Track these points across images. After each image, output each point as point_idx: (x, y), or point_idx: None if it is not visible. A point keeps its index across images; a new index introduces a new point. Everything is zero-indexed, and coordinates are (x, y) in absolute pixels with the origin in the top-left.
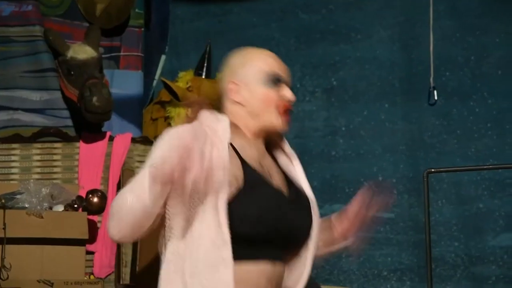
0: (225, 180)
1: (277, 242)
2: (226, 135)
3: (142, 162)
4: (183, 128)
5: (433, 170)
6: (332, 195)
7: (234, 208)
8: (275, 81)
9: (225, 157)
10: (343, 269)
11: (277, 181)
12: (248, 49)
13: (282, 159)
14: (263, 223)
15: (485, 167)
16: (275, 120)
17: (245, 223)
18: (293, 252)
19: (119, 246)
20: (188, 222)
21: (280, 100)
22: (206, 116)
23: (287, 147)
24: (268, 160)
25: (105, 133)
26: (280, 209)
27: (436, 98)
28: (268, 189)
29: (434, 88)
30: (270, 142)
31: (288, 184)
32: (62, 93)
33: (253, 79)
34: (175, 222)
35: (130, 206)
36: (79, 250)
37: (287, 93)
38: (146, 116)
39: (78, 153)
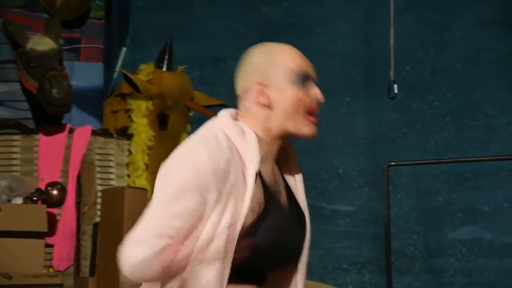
0: (245, 212)
1: (273, 266)
2: (255, 163)
3: (102, 154)
4: (211, 155)
5: (393, 163)
6: None
7: (247, 234)
8: (304, 80)
9: (252, 189)
10: None
11: (283, 197)
12: (272, 46)
13: (285, 168)
14: (272, 252)
15: (444, 160)
16: (305, 127)
17: (256, 251)
18: (280, 272)
19: (78, 239)
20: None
21: (310, 101)
22: (230, 128)
23: (294, 158)
24: (276, 170)
25: (65, 125)
26: (288, 235)
27: (396, 92)
28: (282, 216)
29: (394, 82)
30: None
31: (289, 196)
32: (22, 85)
33: (283, 79)
34: None
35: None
36: (38, 243)
37: (318, 94)
38: (107, 109)
39: (37, 146)
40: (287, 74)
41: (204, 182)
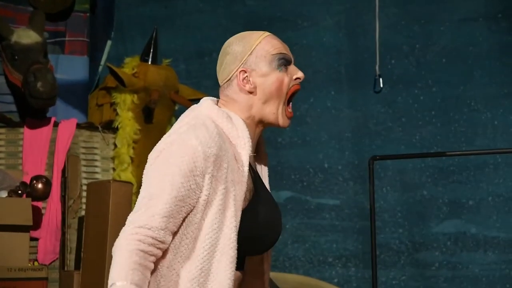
0: (243, 197)
1: (258, 251)
2: (248, 147)
3: (87, 148)
4: (201, 141)
5: (378, 157)
6: (279, 181)
7: (241, 221)
8: (284, 62)
9: (246, 175)
10: (288, 255)
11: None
12: (249, 34)
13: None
14: (261, 241)
15: (429, 154)
16: (282, 118)
17: (247, 239)
18: (255, 256)
19: (63, 232)
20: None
21: (292, 83)
22: (217, 114)
23: (264, 146)
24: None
25: (49, 118)
26: (275, 222)
27: (381, 85)
28: (269, 203)
29: (379, 75)
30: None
31: (262, 182)
32: (6, 78)
33: (265, 65)
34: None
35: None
36: (23, 236)
37: (298, 73)
38: (92, 102)
39: (22, 139)
40: (268, 59)
41: (196, 168)
